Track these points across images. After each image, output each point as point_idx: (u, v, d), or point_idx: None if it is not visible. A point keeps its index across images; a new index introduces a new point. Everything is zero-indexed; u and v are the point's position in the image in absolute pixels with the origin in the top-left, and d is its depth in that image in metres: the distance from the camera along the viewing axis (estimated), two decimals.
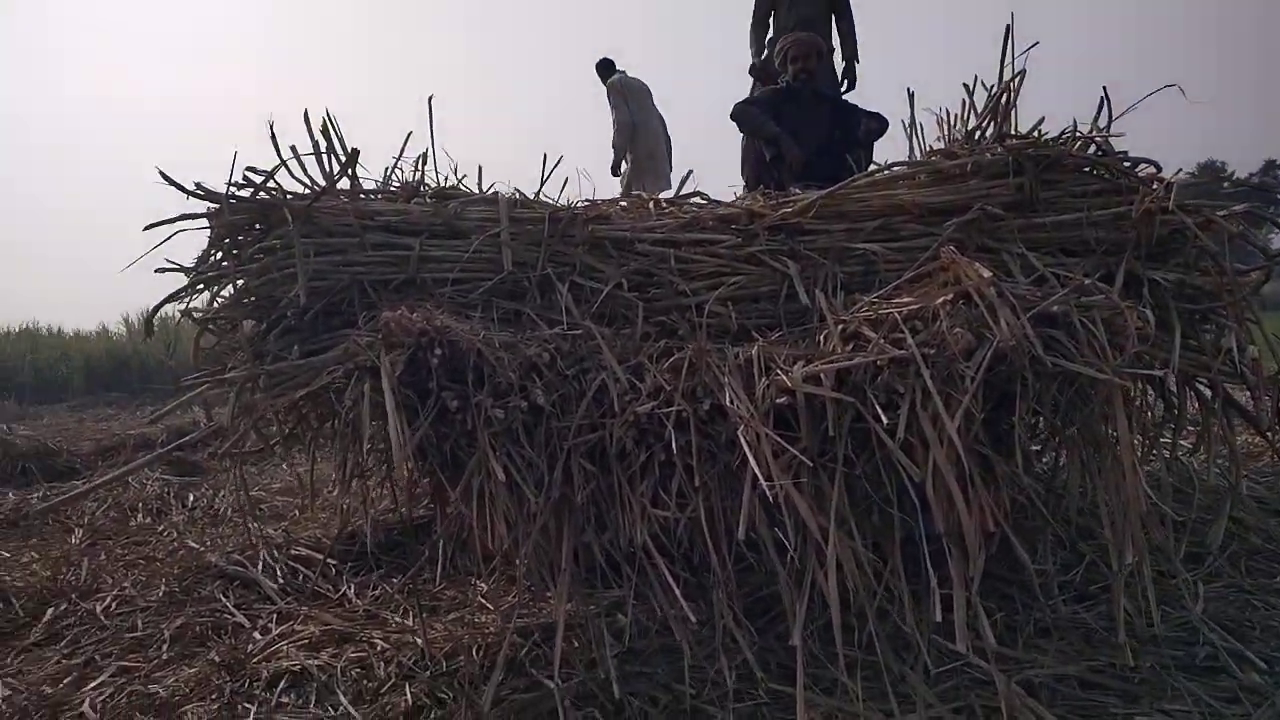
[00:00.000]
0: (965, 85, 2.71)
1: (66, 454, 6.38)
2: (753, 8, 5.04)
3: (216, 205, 2.29)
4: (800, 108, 4.11)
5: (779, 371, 1.94)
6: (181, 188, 2.24)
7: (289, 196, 2.34)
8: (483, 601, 3.00)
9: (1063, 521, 2.65)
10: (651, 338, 2.26)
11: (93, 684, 2.57)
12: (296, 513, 4.65)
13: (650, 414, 1.97)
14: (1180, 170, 2.44)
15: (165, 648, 2.83)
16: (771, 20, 5.07)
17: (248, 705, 2.34)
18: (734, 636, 2.01)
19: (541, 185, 2.79)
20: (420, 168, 2.76)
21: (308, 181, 2.47)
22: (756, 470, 1.80)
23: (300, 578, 3.42)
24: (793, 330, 2.24)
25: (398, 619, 2.91)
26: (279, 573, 3.44)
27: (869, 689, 2.02)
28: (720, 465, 1.98)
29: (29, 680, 2.65)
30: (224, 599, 3.24)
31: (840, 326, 2.03)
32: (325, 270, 2.27)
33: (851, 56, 5.09)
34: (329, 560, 3.51)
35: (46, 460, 6.13)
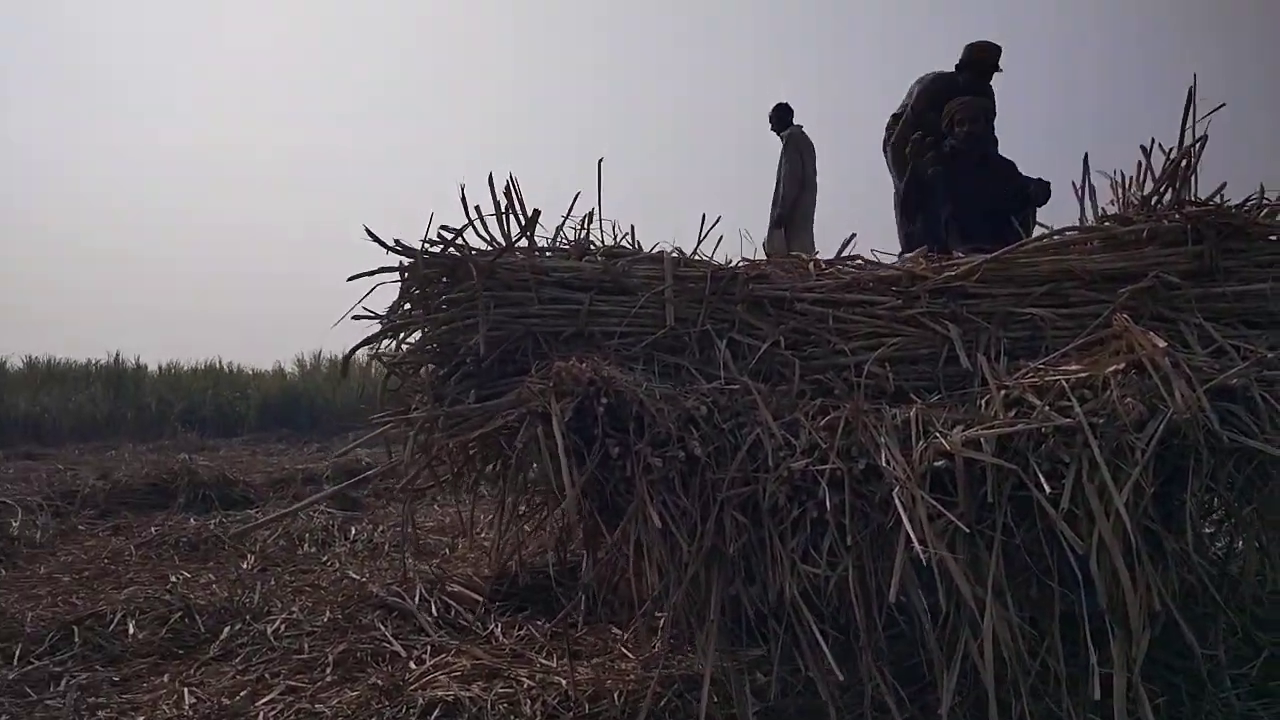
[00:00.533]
0: (1142, 148, 2.70)
1: (242, 484, 6.97)
2: (903, 122, 4.96)
3: (411, 259, 2.55)
4: (967, 170, 4.13)
5: (937, 434, 1.98)
6: (383, 243, 2.52)
7: (473, 252, 2.57)
8: (624, 650, 3.10)
9: (1238, 609, 2.52)
10: (807, 396, 2.35)
11: (264, 699, 2.81)
12: (447, 551, 4.93)
13: (804, 470, 2.05)
14: None
15: (329, 670, 3.06)
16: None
17: None
18: (883, 699, 2.02)
19: (699, 243, 2.95)
20: (586, 226, 2.96)
21: (488, 238, 2.71)
22: (910, 533, 1.84)
23: (452, 613, 3.63)
24: (951, 394, 2.28)
25: (542, 660, 3.06)
26: (433, 607, 3.65)
27: None
28: (873, 526, 2.03)
29: (209, 691, 2.91)
30: (383, 628, 3.47)
31: (1003, 392, 2.06)
32: (502, 321, 2.49)
33: None
34: (479, 598, 3.71)
35: (224, 489, 6.72)
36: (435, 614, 3.60)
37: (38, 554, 5.11)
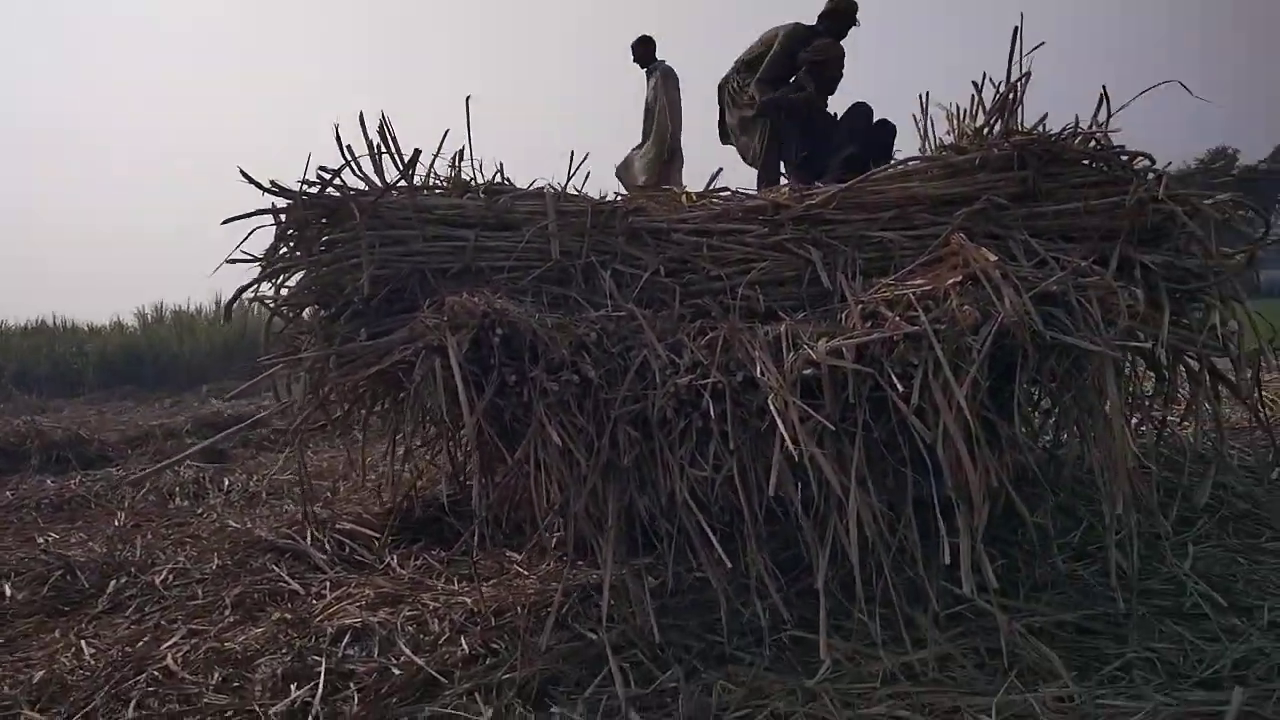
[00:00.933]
0: (974, 83, 3.00)
1: (98, 442, 6.70)
2: (771, 61, 5.13)
3: (290, 201, 2.57)
4: (825, 115, 4.45)
5: (805, 346, 2.22)
6: (259, 185, 2.54)
7: (352, 192, 2.62)
8: (519, 570, 3.29)
9: (1065, 491, 2.93)
10: (687, 319, 2.55)
11: (167, 643, 2.85)
12: (329, 494, 4.97)
13: (689, 385, 2.26)
14: (1170, 163, 2.72)
15: (228, 612, 3.12)
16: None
17: (316, 657, 2.61)
18: (764, 582, 2.29)
19: (568, 180, 3.09)
20: (457, 163, 3.03)
21: (365, 177, 2.75)
22: (785, 433, 2.08)
23: (347, 550, 3.71)
24: (815, 311, 2.53)
25: (441, 585, 3.21)
26: (326, 545, 3.73)
27: (883, 634, 2.30)
28: (751, 431, 2.27)
29: (107, 641, 2.92)
30: (277, 569, 3.53)
31: (860, 306, 2.31)
32: (388, 259, 2.57)
33: None
34: (373, 534, 3.80)
35: (79, 448, 6.45)
36: (329, 552, 3.68)
37: None
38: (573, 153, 3.12)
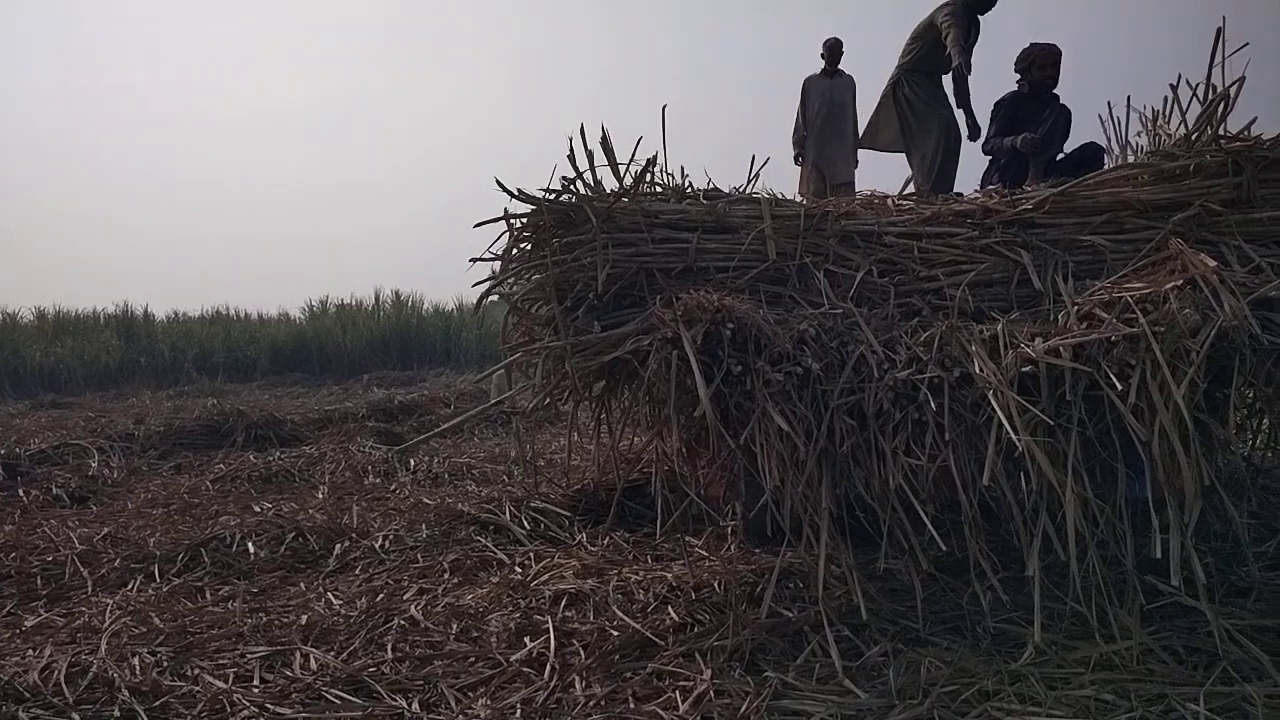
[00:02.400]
0: (1172, 86, 3.09)
1: (290, 423, 7.35)
2: (956, 21, 5.16)
3: (534, 207, 2.89)
4: (1039, 107, 4.54)
5: (1022, 345, 2.38)
6: (510, 192, 2.86)
7: (587, 199, 2.92)
8: (700, 551, 3.55)
9: (1260, 500, 2.97)
10: (897, 317, 2.74)
11: (406, 597, 3.22)
12: (505, 477, 5.37)
13: (907, 379, 2.44)
14: None
15: (447, 575, 3.49)
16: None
17: (540, 616, 2.92)
18: (980, 568, 2.45)
19: (748, 184, 3.31)
20: (650, 169, 3.28)
21: (591, 186, 3.04)
22: (1007, 425, 2.25)
23: (541, 526, 4.06)
24: (1024, 312, 2.67)
25: (632, 562, 3.50)
26: (524, 521, 4.08)
27: (1088, 627, 2.43)
28: (965, 425, 2.44)
29: (347, 595, 3.32)
30: (482, 540, 3.90)
31: (1075, 307, 2.45)
32: (618, 260, 2.85)
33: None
34: (565, 513, 4.14)
35: (276, 428, 7.09)
36: (526, 528, 4.04)
37: (118, 491, 5.52)
38: (754, 157, 3.38)
